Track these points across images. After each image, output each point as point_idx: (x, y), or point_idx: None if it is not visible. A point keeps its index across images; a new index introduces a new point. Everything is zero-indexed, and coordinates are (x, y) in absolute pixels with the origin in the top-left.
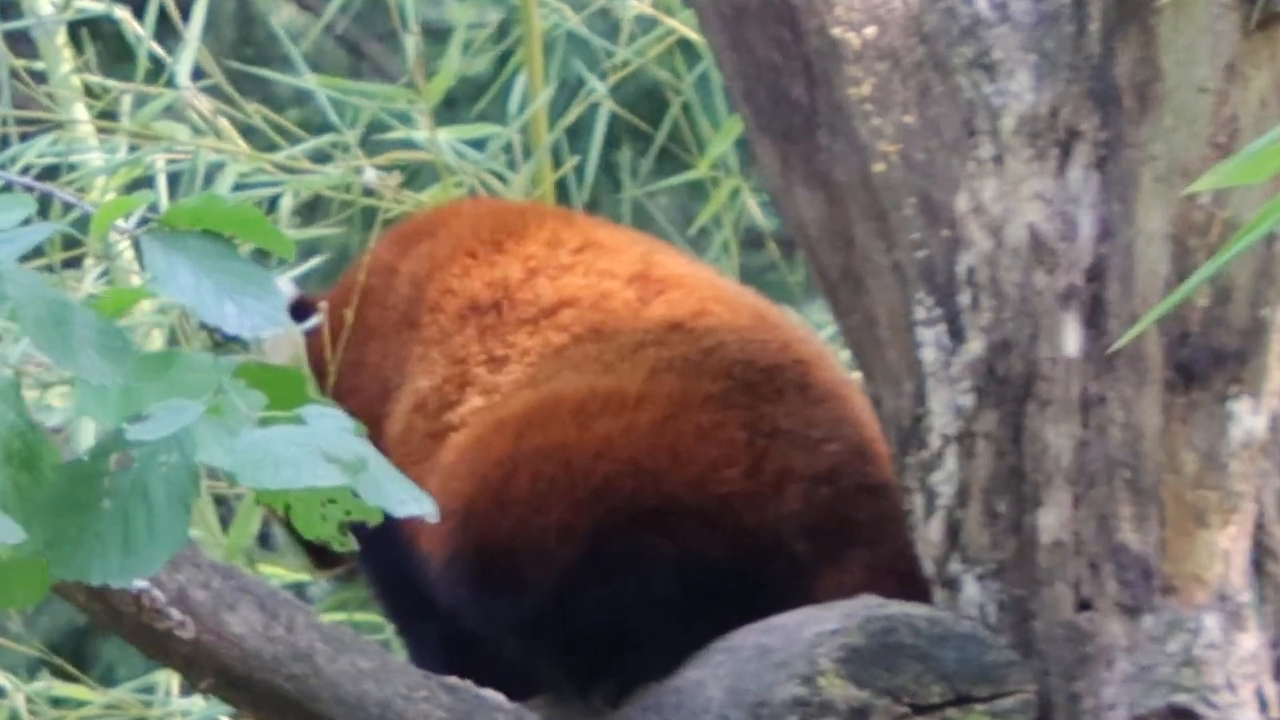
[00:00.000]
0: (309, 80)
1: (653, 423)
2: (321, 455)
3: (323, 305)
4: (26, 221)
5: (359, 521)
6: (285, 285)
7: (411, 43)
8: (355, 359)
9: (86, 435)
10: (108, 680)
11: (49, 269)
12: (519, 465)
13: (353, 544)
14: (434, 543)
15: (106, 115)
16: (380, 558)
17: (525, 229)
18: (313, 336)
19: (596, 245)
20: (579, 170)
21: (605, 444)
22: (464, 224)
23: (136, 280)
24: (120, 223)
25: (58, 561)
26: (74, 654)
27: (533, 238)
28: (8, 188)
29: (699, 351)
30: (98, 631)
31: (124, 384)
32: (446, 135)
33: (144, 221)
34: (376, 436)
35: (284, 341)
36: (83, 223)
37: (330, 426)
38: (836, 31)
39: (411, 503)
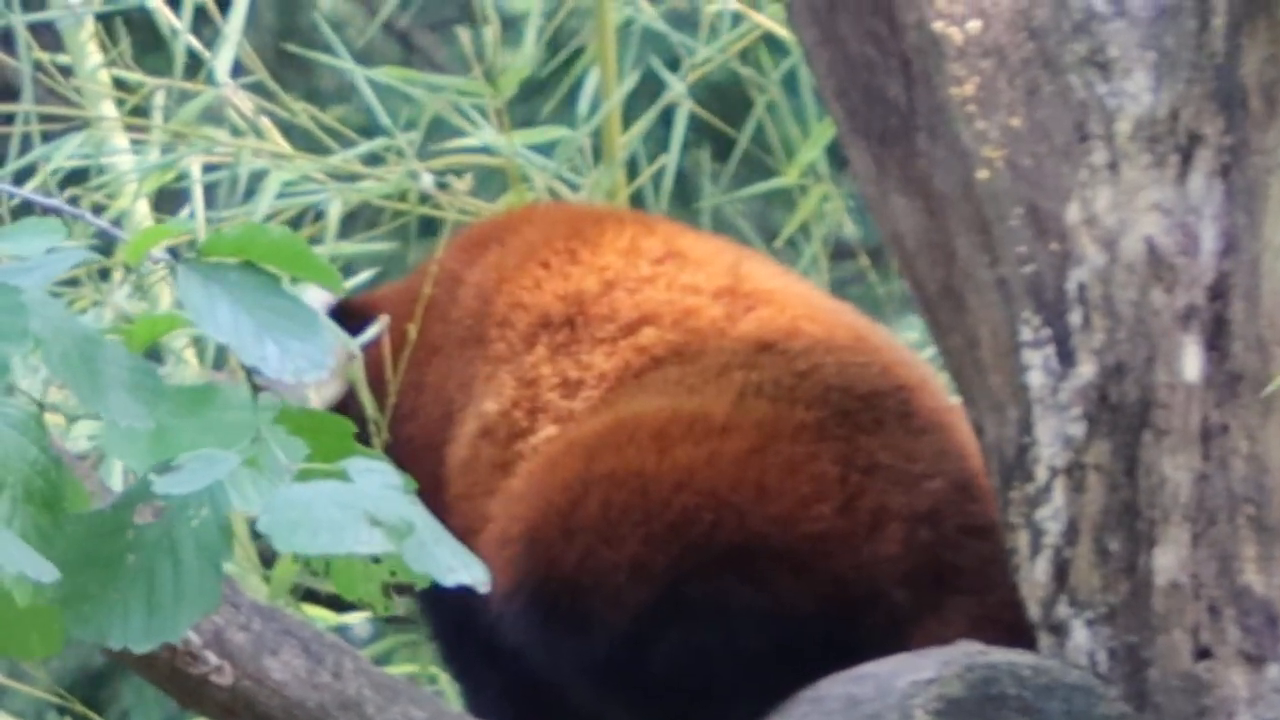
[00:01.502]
0: (374, 73)
1: (739, 453)
2: (365, 517)
3: (384, 317)
4: (53, 247)
5: None
6: (313, 296)
7: (491, 32)
8: (415, 379)
9: (116, 472)
10: None
11: (73, 282)
12: (590, 489)
13: (395, 606)
14: (496, 572)
15: (138, 113)
16: (440, 596)
17: (602, 236)
18: (371, 350)
19: (680, 255)
20: (655, 177)
21: (686, 473)
22: (536, 231)
23: (169, 294)
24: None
25: (76, 620)
26: (88, 698)
27: (610, 246)
28: (30, 207)
29: (792, 375)
30: (115, 673)
31: (155, 425)
32: (510, 139)
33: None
34: (438, 465)
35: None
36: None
37: (376, 483)
38: (937, 26)
39: (461, 570)
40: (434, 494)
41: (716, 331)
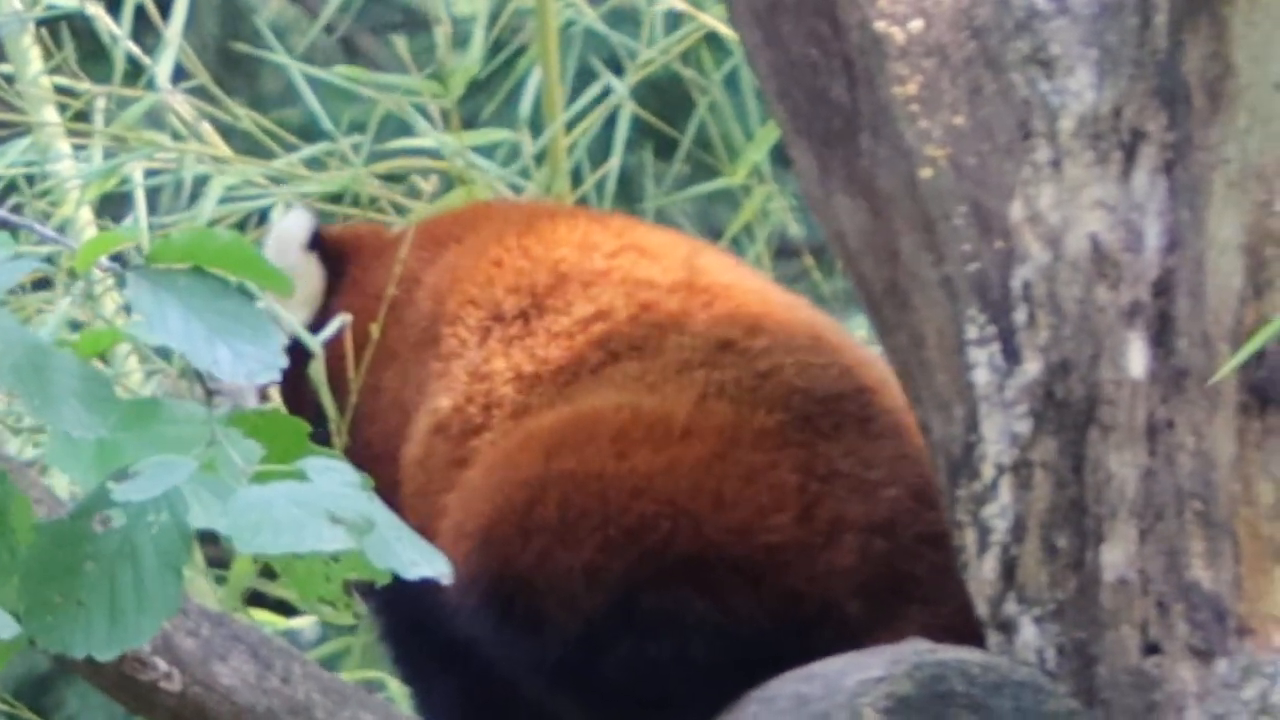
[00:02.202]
0: (321, 72)
1: (698, 460)
2: (325, 516)
3: (344, 317)
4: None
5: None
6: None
7: (442, 32)
8: (373, 382)
9: (60, 482)
10: None
11: (17, 290)
12: (548, 488)
13: (358, 606)
14: (453, 565)
15: (80, 119)
16: (393, 597)
17: (555, 231)
18: (330, 345)
19: (634, 248)
20: (599, 177)
21: (644, 479)
22: (491, 228)
23: (112, 304)
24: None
25: (38, 630)
26: (34, 703)
27: (563, 240)
28: None
29: (753, 376)
30: (61, 679)
31: (102, 436)
32: (454, 141)
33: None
34: (395, 469)
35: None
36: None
37: (334, 482)
38: (879, 26)
39: (423, 563)
40: (392, 497)
41: (675, 326)
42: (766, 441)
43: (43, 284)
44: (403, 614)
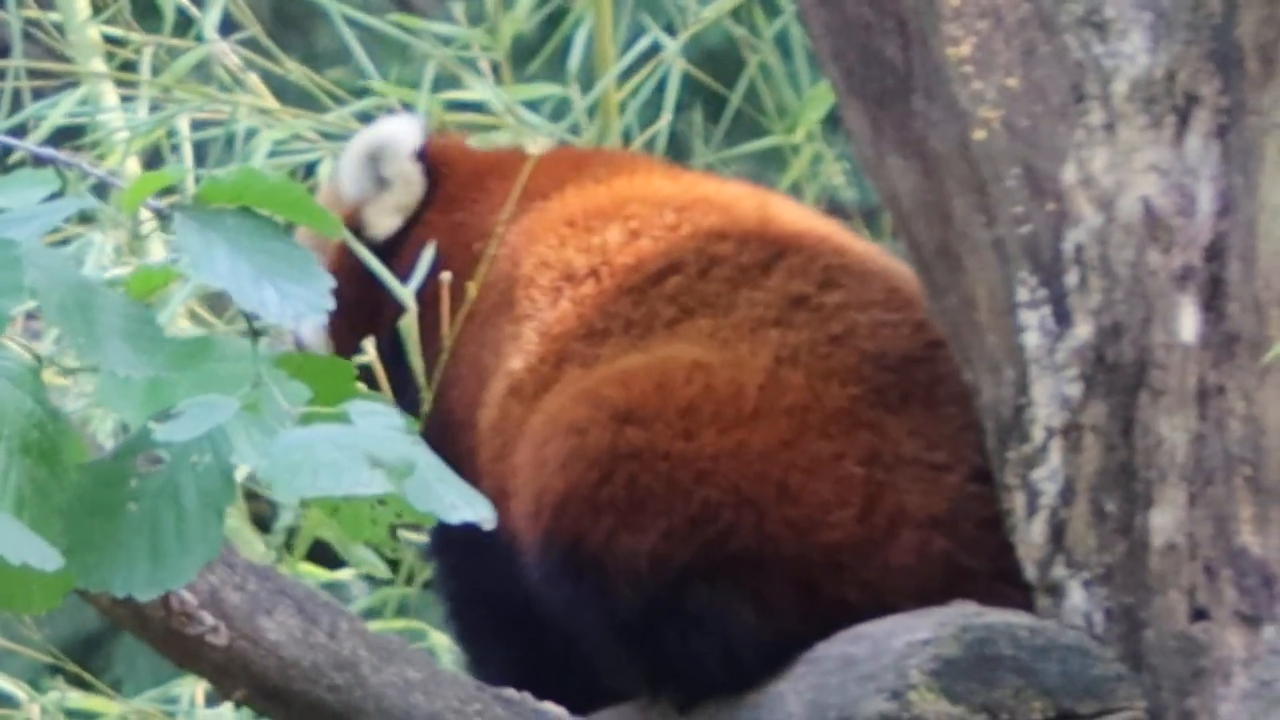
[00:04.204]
0: (376, 21)
1: (765, 448)
2: (366, 458)
3: (445, 277)
4: (49, 198)
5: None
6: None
7: None
8: (454, 347)
9: (105, 429)
10: (117, 689)
11: (64, 242)
12: (617, 466)
13: (402, 554)
14: (526, 525)
15: (128, 70)
16: (457, 561)
17: (627, 187)
18: (424, 298)
19: (705, 201)
20: (649, 136)
21: (711, 460)
22: (570, 187)
23: (159, 250)
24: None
25: (79, 570)
26: (83, 661)
27: (635, 196)
28: (28, 158)
29: (827, 340)
30: (110, 637)
31: (151, 376)
32: (503, 95)
33: (169, 193)
34: (474, 438)
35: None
36: (101, 189)
37: (377, 425)
38: None
39: (465, 507)
40: (472, 465)
41: (747, 281)
42: (835, 426)
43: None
44: (462, 581)
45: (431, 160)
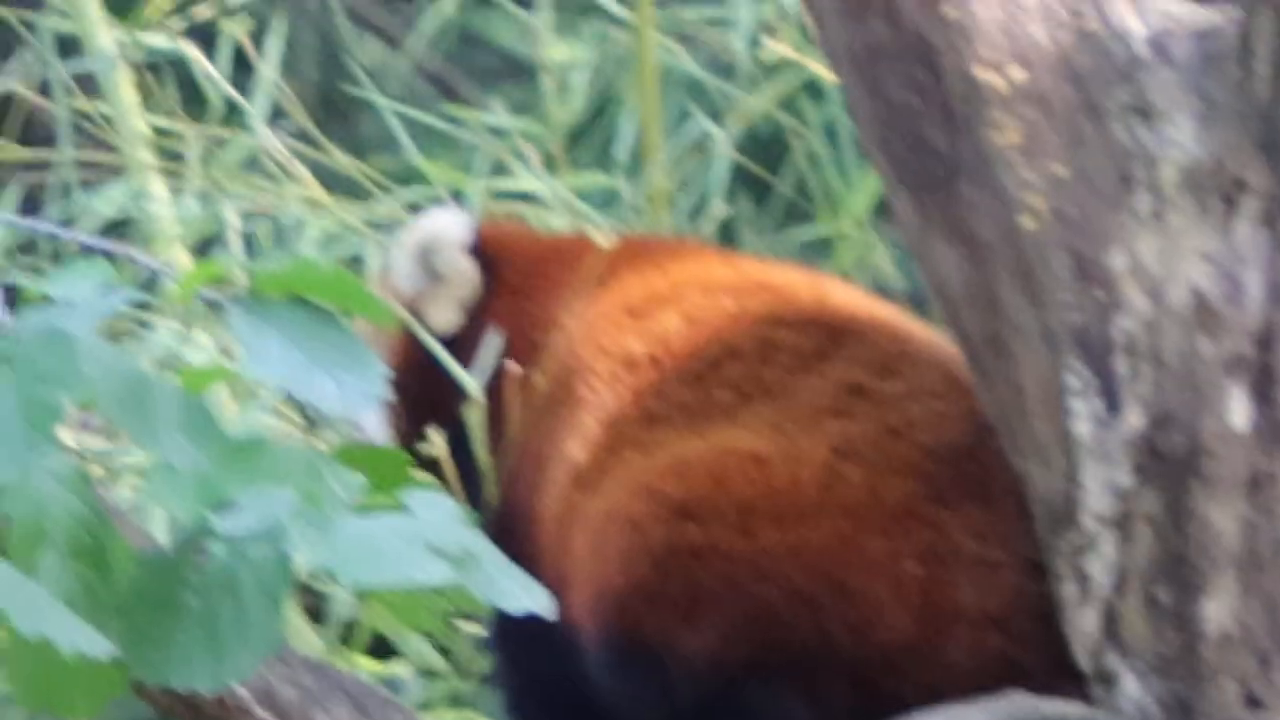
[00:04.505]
0: (425, 116)
1: (823, 546)
2: (426, 548)
3: (513, 366)
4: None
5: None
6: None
7: (548, 80)
8: (520, 439)
9: (158, 521)
10: None
11: (114, 336)
12: (675, 563)
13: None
14: (585, 617)
15: (175, 160)
16: (522, 649)
17: (684, 273)
18: (487, 387)
19: (763, 287)
20: (697, 223)
21: (768, 560)
22: (627, 273)
23: (208, 341)
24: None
25: (138, 664)
26: None
27: (692, 282)
28: (82, 248)
29: (885, 432)
30: None
31: (202, 471)
32: (547, 186)
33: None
34: (535, 528)
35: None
36: (151, 281)
37: (437, 514)
38: (980, 73)
39: (525, 597)
40: (536, 556)
41: (805, 368)
42: (893, 524)
43: (141, 325)
44: (528, 666)
45: (487, 250)
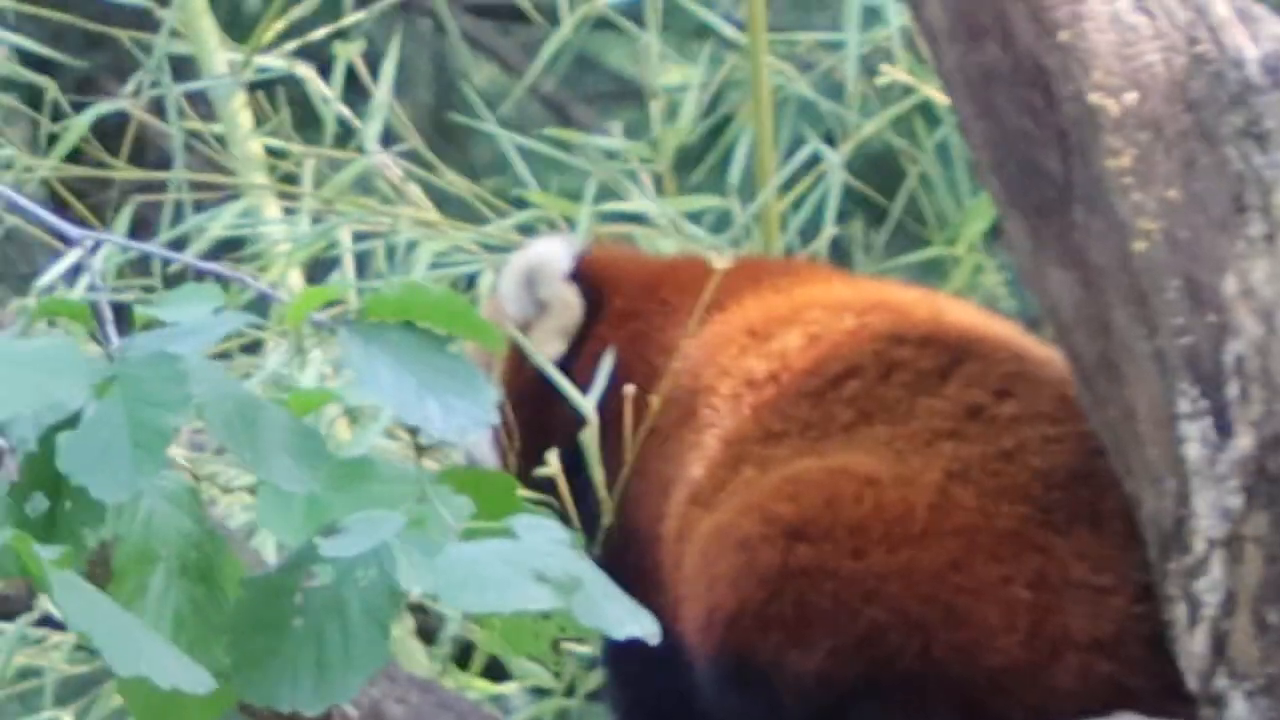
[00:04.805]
0: (529, 140)
1: (934, 568)
2: (532, 574)
3: (629, 390)
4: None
5: None
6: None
7: (657, 105)
8: (638, 463)
9: (269, 545)
10: None
11: (224, 355)
12: (786, 583)
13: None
14: (697, 637)
15: (288, 182)
16: (636, 667)
17: (807, 294)
18: (602, 411)
19: (883, 306)
20: (807, 245)
21: (879, 580)
22: (748, 296)
23: (317, 364)
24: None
25: (245, 685)
26: None
27: (815, 303)
28: (190, 271)
29: (998, 455)
30: None
31: (311, 494)
32: (661, 207)
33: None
34: (660, 552)
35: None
36: (263, 302)
37: (542, 539)
38: (1094, 98)
39: (631, 623)
40: (657, 579)
41: (925, 388)
42: (1004, 548)
43: (251, 346)
44: (633, 690)
45: (593, 277)
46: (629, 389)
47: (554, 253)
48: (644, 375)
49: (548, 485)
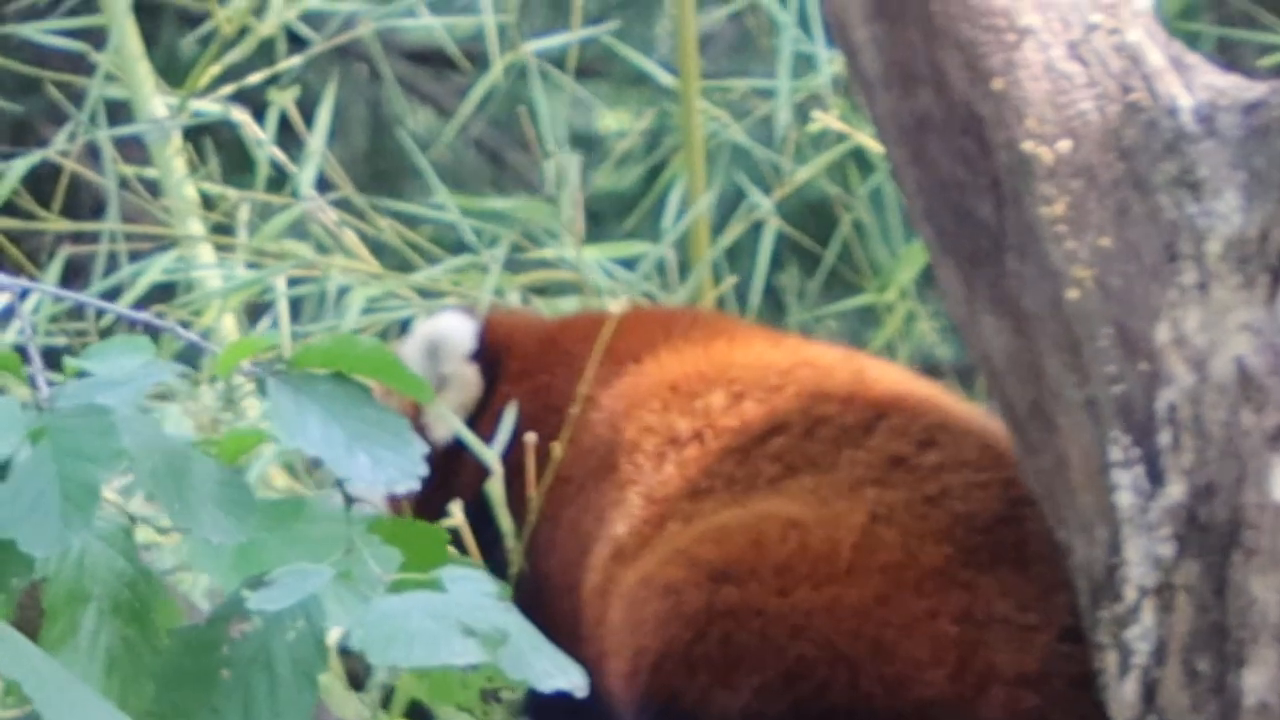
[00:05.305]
0: (442, 198)
1: (860, 604)
2: (460, 628)
3: (530, 439)
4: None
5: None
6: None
7: (552, 165)
8: (549, 509)
9: (199, 588)
10: None
11: (160, 396)
12: (712, 624)
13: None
14: (622, 685)
15: (222, 228)
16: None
17: (730, 352)
18: (509, 462)
19: (808, 364)
20: (741, 292)
21: (805, 617)
22: (667, 351)
23: (257, 407)
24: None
25: None
26: None
27: (738, 361)
28: (120, 322)
29: (922, 501)
30: None
31: (240, 545)
32: (595, 254)
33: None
34: (576, 602)
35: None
36: (195, 350)
37: (470, 592)
38: (1027, 146)
39: (559, 675)
40: (573, 628)
41: (849, 441)
42: (929, 584)
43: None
44: None
45: (493, 345)
46: (530, 437)
47: (458, 330)
48: (553, 426)
49: (454, 536)
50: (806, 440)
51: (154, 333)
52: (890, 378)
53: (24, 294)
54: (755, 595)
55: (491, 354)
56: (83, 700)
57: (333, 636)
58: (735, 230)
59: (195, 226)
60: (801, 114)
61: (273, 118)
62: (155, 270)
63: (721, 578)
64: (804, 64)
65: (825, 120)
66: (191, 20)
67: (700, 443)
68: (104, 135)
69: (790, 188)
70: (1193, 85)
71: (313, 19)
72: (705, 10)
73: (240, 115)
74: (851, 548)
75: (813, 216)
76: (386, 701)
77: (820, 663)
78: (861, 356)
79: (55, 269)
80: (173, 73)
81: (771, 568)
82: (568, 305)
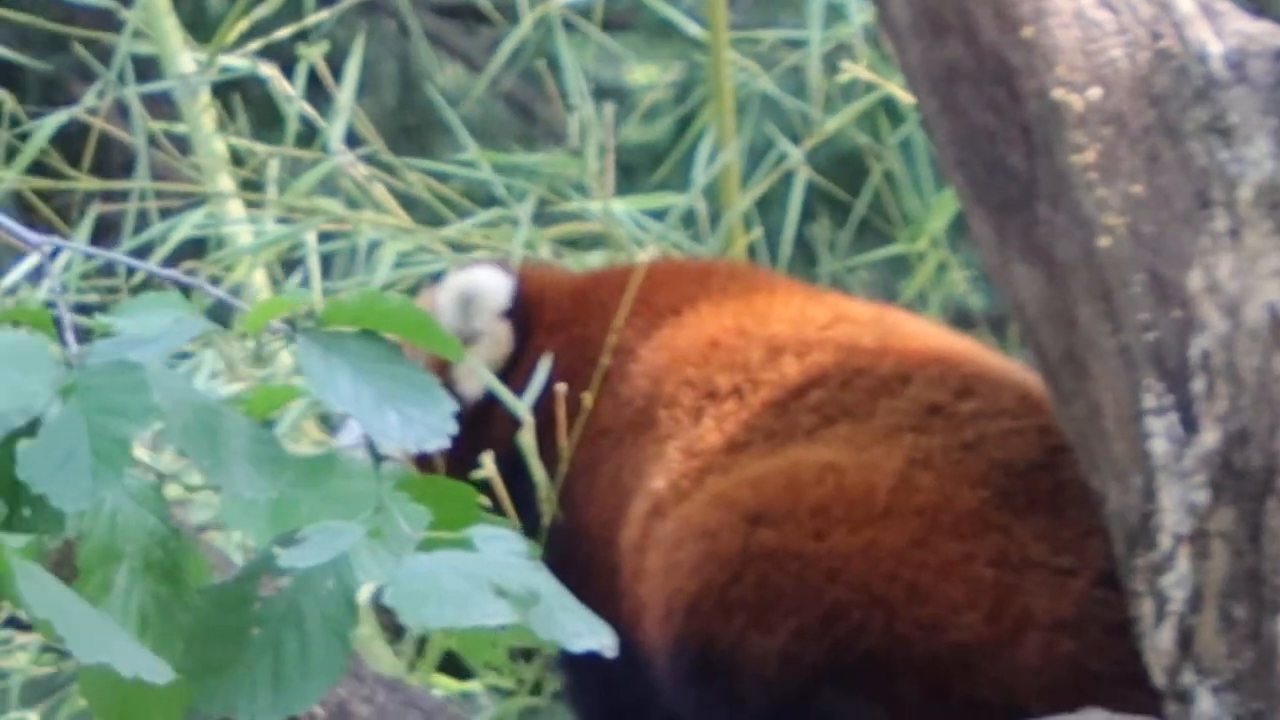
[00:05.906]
0: (472, 153)
1: (897, 546)
2: (490, 587)
3: (561, 388)
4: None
5: None
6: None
7: (577, 119)
8: (587, 460)
9: (233, 543)
10: None
11: (187, 355)
12: (747, 566)
13: (523, 671)
14: (658, 630)
15: (252, 184)
16: (595, 670)
17: (770, 309)
18: (541, 414)
19: (845, 319)
20: (771, 242)
21: (842, 560)
22: (708, 305)
23: (289, 361)
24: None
25: (203, 693)
26: None
27: (777, 316)
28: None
29: (958, 446)
30: None
31: (275, 496)
32: (623, 206)
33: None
34: (615, 555)
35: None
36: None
37: (501, 551)
38: (1058, 94)
39: (588, 635)
40: (610, 581)
41: (886, 391)
42: (965, 527)
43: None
44: (602, 686)
45: (525, 301)
46: (560, 387)
47: (494, 286)
48: (588, 378)
49: (487, 487)
50: (843, 391)
51: (185, 289)
52: (927, 333)
53: (55, 252)
54: (792, 538)
55: (525, 310)
56: (114, 639)
57: (364, 592)
58: (766, 181)
59: (225, 183)
60: (831, 64)
61: (301, 73)
62: (185, 227)
63: (757, 520)
64: (833, 13)
65: (855, 70)
66: None
67: (739, 398)
68: (133, 92)
69: (820, 138)
70: (1223, 31)
71: None
72: None
73: (269, 71)
74: (888, 491)
75: (843, 167)
76: (420, 651)
77: (856, 605)
78: (898, 312)
79: (86, 227)
80: (201, 28)
81: (808, 510)
82: (597, 259)
